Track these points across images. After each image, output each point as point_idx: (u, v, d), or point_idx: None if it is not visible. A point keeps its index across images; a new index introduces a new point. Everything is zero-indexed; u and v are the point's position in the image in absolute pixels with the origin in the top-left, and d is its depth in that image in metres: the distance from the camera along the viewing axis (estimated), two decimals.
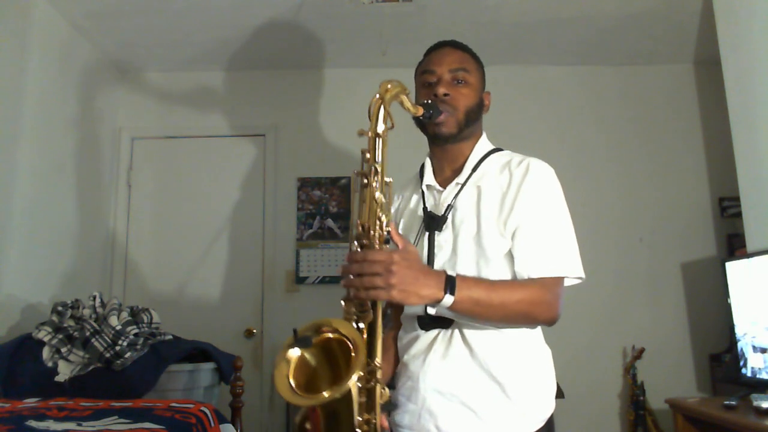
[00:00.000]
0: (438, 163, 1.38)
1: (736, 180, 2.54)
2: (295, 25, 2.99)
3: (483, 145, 1.36)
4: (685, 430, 2.50)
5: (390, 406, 1.08)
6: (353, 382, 0.95)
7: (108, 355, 2.10)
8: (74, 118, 2.97)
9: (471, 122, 1.32)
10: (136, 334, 2.20)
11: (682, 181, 3.37)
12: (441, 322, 1.23)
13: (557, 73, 3.48)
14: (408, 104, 1.17)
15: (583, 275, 1.23)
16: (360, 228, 1.09)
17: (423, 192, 1.37)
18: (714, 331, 3.14)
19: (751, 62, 2.45)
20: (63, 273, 2.82)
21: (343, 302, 1.07)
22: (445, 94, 1.28)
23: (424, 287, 1.06)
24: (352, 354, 0.98)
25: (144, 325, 2.29)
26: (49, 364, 2.10)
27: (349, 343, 0.99)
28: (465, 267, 1.23)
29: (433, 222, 1.29)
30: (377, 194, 1.09)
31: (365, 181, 1.10)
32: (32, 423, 1.61)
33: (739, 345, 2.48)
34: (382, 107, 1.11)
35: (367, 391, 1.03)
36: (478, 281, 1.15)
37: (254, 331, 3.22)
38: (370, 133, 1.10)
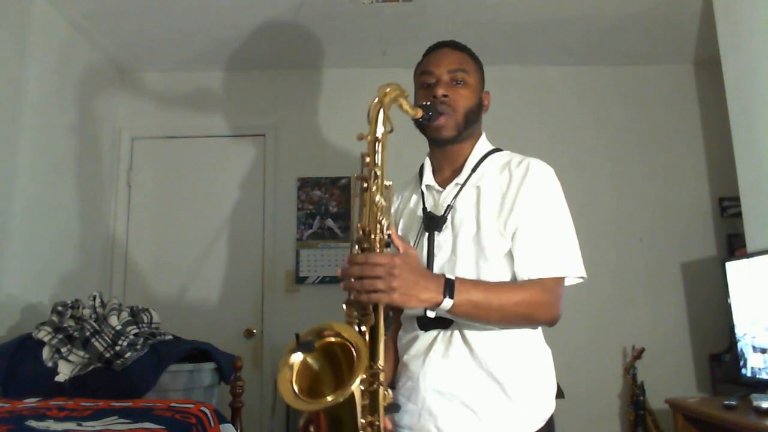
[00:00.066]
0: (437, 163, 1.38)
1: (736, 180, 2.54)
2: (295, 25, 2.98)
3: (482, 145, 1.36)
4: (685, 430, 2.50)
5: (393, 408, 1.09)
6: (356, 386, 0.95)
7: (108, 355, 2.10)
8: (74, 118, 2.97)
9: (470, 123, 1.32)
10: (136, 334, 2.20)
11: (682, 181, 3.37)
12: (440, 323, 1.23)
13: (557, 73, 3.48)
14: (407, 107, 1.17)
15: (584, 274, 1.23)
16: (360, 232, 1.10)
17: (422, 192, 1.37)
18: (714, 331, 3.14)
19: (751, 62, 2.45)
20: (63, 273, 2.82)
21: (344, 306, 1.08)
22: (444, 95, 1.28)
23: (424, 291, 1.06)
24: (355, 358, 0.98)
25: (144, 325, 2.29)
26: (49, 364, 2.10)
27: (351, 346, 1.00)
28: (464, 267, 1.23)
29: (432, 222, 1.29)
30: (377, 198, 1.09)
31: (365, 185, 1.10)
32: (32, 423, 1.61)
33: (739, 345, 2.48)
34: (381, 111, 1.11)
35: (370, 394, 1.04)
36: (478, 284, 1.15)
37: (254, 331, 3.22)
38: (369, 137, 1.11)
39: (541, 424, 1.21)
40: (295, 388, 0.98)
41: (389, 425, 1.11)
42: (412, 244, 1.32)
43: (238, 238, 3.33)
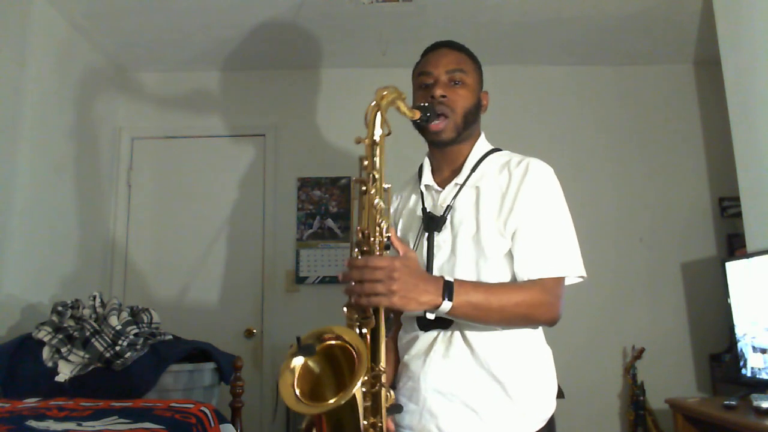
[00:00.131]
0: (436, 163, 1.38)
1: (736, 180, 2.54)
2: (295, 25, 2.99)
3: (481, 145, 1.36)
4: (685, 430, 2.50)
5: (396, 409, 1.09)
6: (358, 389, 0.96)
7: (108, 355, 2.10)
8: (74, 119, 2.97)
9: (469, 124, 1.31)
10: (136, 334, 2.20)
11: (682, 181, 3.37)
12: (440, 323, 1.23)
13: (557, 73, 3.48)
14: (404, 109, 1.17)
15: (584, 273, 1.23)
16: (360, 235, 1.10)
17: (422, 192, 1.37)
18: (714, 331, 3.14)
19: (751, 62, 2.45)
20: (63, 273, 2.82)
21: (345, 309, 1.08)
22: (443, 96, 1.28)
23: (423, 294, 1.07)
24: (356, 360, 0.98)
25: (144, 325, 2.29)
26: (49, 364, 2.10)
27: (352, 349, 1.00)
28: (464, 267, 1.23)
29: (432, 222, 1.29)
30: (376, 200, 1.09)
31: (364, 188, 1.11)
32: (32, 423, 1.61)
33: (739, 345, 2.48)
34: (378, 114, 1.11)
35: (373, 395, 1.04)
36: (477, 286, 1.15)
37: (254, 331, 3.22)
38: (367, 141, 1.11)
39: (542, 423, 1.21)
40: (297, 391, 0.98)
41: (392, 426, 1.12)
42: (411, 244, 1.32)
43: (238, 238, 3.33)
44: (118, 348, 2.11)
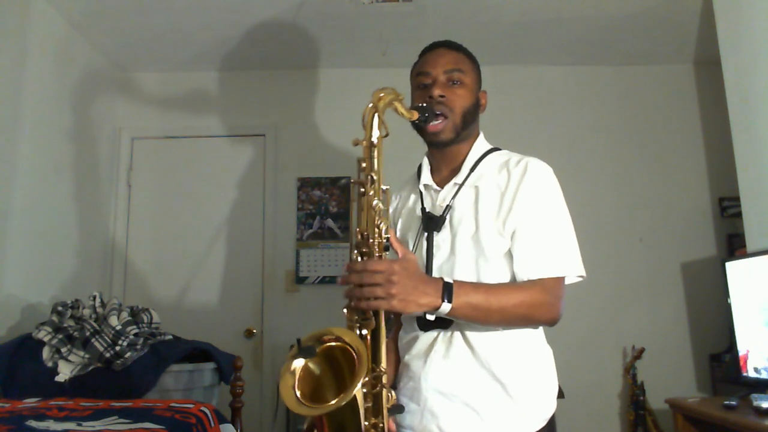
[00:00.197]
0: (436, 163, 1.38)
1: (736, 180, 2.54)
2: (294, 25, 2.98)
3: (480, 145, 1.35)
4: (685, 430, 2.50)
5: (397, 409, 1.09)
6: (358, 390, 0.96)
7: (108, 355, 2.10)
8: (73, 119, 2.97)
9: (468, 123, 1.31)
10: (136, 334, 2.20)
11: (682, 181, 3.37)
12: (440, 324, 1.23)
13: (557, 73, 3.48)
14: (402, 110, 1.17)
15: (583, 273, 1.23)
16: (359, 236, 1.10)
17: (421, 192, 1.37)
18: (714, 331, 3.14)
19: (751, 62, 2.45)
20: (63, 273, 2.82)
21: (345, 311, 1.08)
22: (441, 96, 1.28)
23: (422, 296, 1.07)
24: (356, 361, 0.98)
25: (144, 325, 2.29)
26: (49, 364, 2.10)
27: (352, 350, 1.00)
28: (464, 266, 1.23)
29: (431, 222, 1.29)
30: (375, 202, 1.10)
31: (362, 189, 1.11)
32: (32, 423, 1.61)
33: (739, 345, 2.47)
34: (375, 116, 1.11)
35: (374, 396, 1.04)
36: (477, 286, 1.15)
37: (254, 331, 3.22)
38: (365, 142, 1.11)
39: (542, 423, 1.21)
40: (298, 393, 0.98)
41: (393, 427, 1.12)
42: (411, 243, 1.32)
43: (238, 238, 3.33)
44: (118, 348, 2.11)
